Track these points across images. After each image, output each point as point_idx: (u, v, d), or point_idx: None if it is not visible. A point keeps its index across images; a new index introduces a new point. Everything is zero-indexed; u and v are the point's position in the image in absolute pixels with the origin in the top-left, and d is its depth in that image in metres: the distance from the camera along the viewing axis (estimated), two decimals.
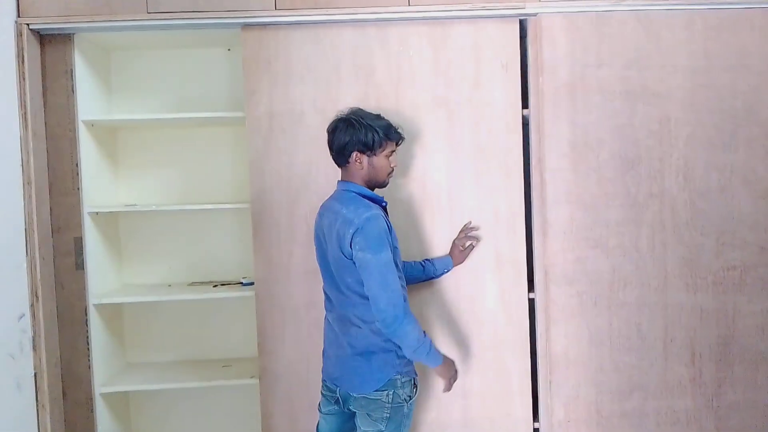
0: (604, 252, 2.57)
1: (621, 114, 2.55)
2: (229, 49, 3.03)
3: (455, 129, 2.57)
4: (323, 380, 2.30)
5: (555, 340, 2.59)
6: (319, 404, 2.33)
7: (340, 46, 2.59)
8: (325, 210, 2.24)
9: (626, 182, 2.56)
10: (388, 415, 2.17)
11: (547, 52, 2.54)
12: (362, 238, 2.07)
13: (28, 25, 2.51)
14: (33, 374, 2.53)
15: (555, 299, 2.58)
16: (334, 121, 2.24)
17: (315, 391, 2.52)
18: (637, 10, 2.53)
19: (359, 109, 2.26)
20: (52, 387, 2.58)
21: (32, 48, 2.55)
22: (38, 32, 2.58)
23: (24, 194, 2.51)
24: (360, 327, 2.16)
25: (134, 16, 2.53)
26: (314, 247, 2.31)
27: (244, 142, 2.88)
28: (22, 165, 2.51)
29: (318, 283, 2.49)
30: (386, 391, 2.16)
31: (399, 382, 2.17)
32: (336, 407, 2.25)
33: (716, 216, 2.56)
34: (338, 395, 2.22)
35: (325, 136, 2.29)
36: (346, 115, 2.22)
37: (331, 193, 2.31)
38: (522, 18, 2.59)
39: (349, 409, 2.23)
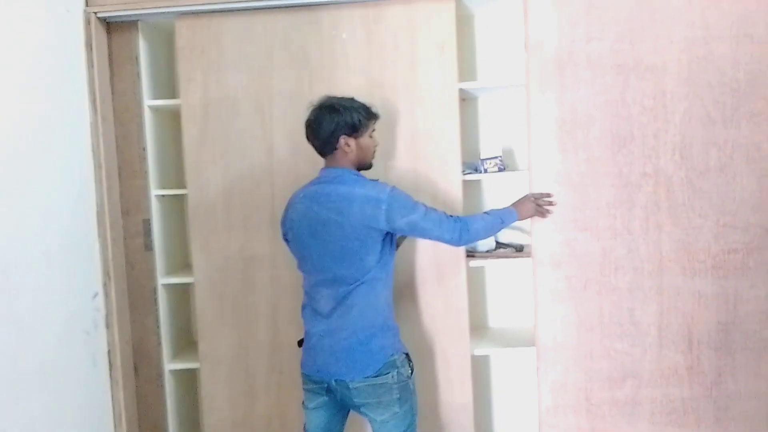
0: (594, 234, 2.46)
1: (612, 89, 2.43)
2: None
3: (391, 112, 2.49)
4: (306, 375, 2.26)
5: (542, 325, 2.51)
6: (303, 402, 2.30)
7: (272, 31, 2.58)
8: (319, 197, 2.18)
9: (618, 161, 2.44)
10: (398, 396, 2.17)
11: (532, 27, 2.44)
12: (398, 206, 2.11)
13: (95, 13, 2.59)
14: (107, 351, 2.64)
15: (542, 282, 2.50)
16: (313, 111, 2.22)
17: (254, 377, 2.64)
18: None
19: (329, 95, 2.24)
20: (124, 363, 2.71)
21: (100, 36, 2.64)
22: (105, 20, 2.65)
23: (95, 178, 2.62)
24: (361, 309, 2.14)
25: (194, 1, 2.57)
26: (289, 238, 2.28)
27: None
28: (93, 149, 2.61)
29: (257, 270, 2.58)
30: (390, 373, 2.15)
31: (398, 361, 2.18)
32: (325, 398, 2.23)
33: (716, 196, 2.42)
34: (330, 386, 2.19)
35: (259, 122, 2.38)
36: (325, 103, 2.21)
37: (299, 180, 2.30)
38: None
39: (343, 401, 2.21)
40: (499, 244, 2.86)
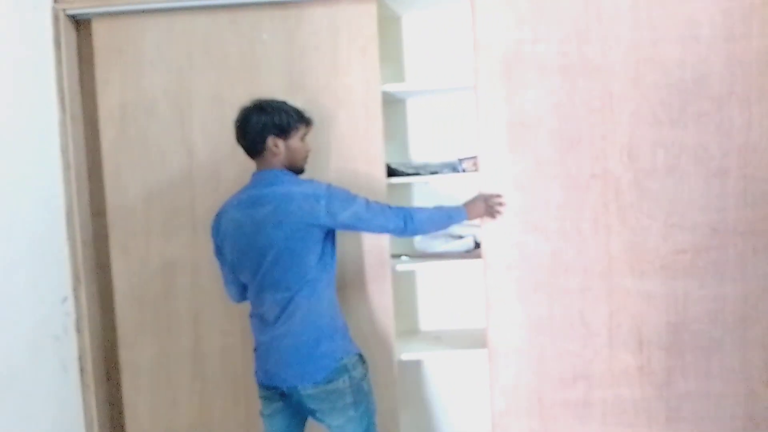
0: (543, 236, 2.46)
1: (560, 91, 2.42)
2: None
3: (314, 115, 2.45)
4: (259, 383, 2.23)
5: (494, 328, 2.50)
6: (260, 410, 2.26)
7: (192, 32, 2.55)
8: (254, 201, 2.14)
9: (567, 163, 2.43)
10: (351, 400, 2.14)
11: (480, 27, 2.43)
12: (338, 200, 2.11)
13: (64, 10, 2.53)
14: (77, 356, 2.58)
15: (493, 285, 2.49)
16: (242, 111, 2.20)
17: (177, 385, 2.62)
18: None
19: (261, 99, 2.22)
20: (96, 368, 2.65)
21: (68, 33, 2.57)
22: (74, 17, 2.58)
23: (64, 178, 2.56)
24: (305, 312, 2.11)
25: None
26: (224, 250, 2.24)
27: None
28: (62, 150, 2.55)
29: (177, 276, 2.56)
30: (341, 378, 2.13)
31: (349, 364, 2.15)
32: (281, 404, 2.20)
33: (664, 197, 2.42)
34: (283, 391, 2.17)
35: (178, 125, 2.41)
36: (254, 103, 2.20)
37: (231, 186, 2.30)
38: None
39: (299, 406, 2.18)
40: (479, 245, 2.83)
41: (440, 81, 2.79)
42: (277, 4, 2.52)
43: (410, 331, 3.02)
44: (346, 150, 2.55)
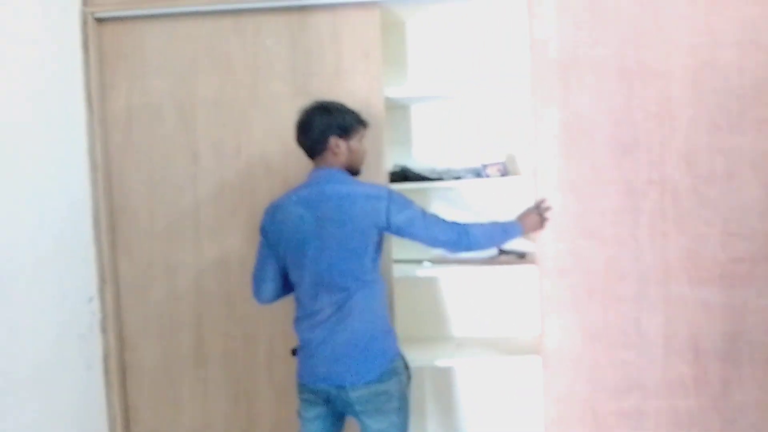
0: (599, 242, 2.42)
1: (617, 95, 2.39)
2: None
3: None
4: (302, 384, 2.19)
5: (548, 335, 2.46)
6: (299, 411, 2.22)
7: (196, 38, 2.56)
8: (315, 198, 2.12)
9: (623, 168, 2.40)
10: (397, 405, 2.12)
11: (537, 30, 2.41)
12: (397, 203, 2.11)
13: (92, 13, 2.54)
14: (102, 355, 2.58)
15: (548, 292, 2.45)
16: (305, 112, 2.20)
17: (180, 387, 2.63)
18: None
19: (320, 100, 2.22)
20: (120, 367, 2.65)
21: (96, 36, 2.58)
22: (101, 20, 2.59)
23: (91, 179, 2.55)
24: (361, 312, 2.09)
25: (192, 0, 2.54)
26: (279, 247, 2.20)
27: None
28: (89, 151, 2.55)
29: (179, 277, 2.58)
30: (392, 380, 2.10)
31: (399, 367, 2.14)
32: (323, 408, 2.17)
33: (722, 204, 2.38)
34: (329, 395, 2.13)
35: (183, 129, 2.45)
36: (316, 104, 2.20)
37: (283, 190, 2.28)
38: None
39: (343, 409, 2.15)
40: (502, 252, 2.80)
41: (444, 86, 2.76)
42: (280, 9, 2.53)
43: (437, 337, 2.99)
44: None
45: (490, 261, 2.74)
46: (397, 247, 2.71)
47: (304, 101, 2.46)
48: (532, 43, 2.42)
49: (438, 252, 2.80)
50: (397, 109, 2.83)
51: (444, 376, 3.01)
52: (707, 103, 2.36)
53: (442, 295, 3.00)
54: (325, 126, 2.16)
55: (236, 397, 2.65)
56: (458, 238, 2.18)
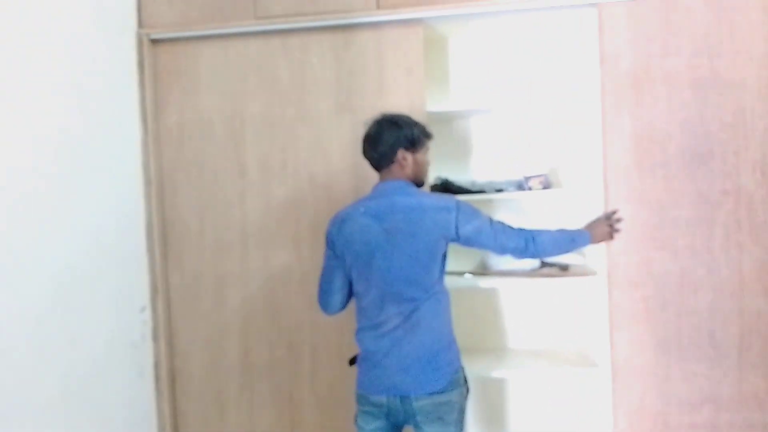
0: (672, 254, 2.40)
1: (690, 106, 2.38)
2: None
3: (360, 135, 2.46)
4: (365, 396, 2.16)
5: (618, 347, 2.44)
6: (357, 421, 2.21)
7: (246, 57, 2.63)
8: (384, 210, 2.13)
9: (696, 179, 2.38)
10: (457, 417, 2.12)
11: (608, 42, 2.40)
12: (465, 213, 2.12)
13: (148, 35, 2.65)
14: (153, 363, 2.67)
15: (618, 304, 2.43)
16: (375, 126, 2.21)
17: (226, 396, 2.71)
18: None
19: (388, 113, 2.24)
20: (170, 375, 2.74)
21: (151, 55, 2.68)
22: (156, 41, 2.68)
23: (145, 194, 2.65)
24: (429, 323, 2.09)
25: (242, 22, 2.61)
26: (347, 257, 2.19)
27: None
28: (143, 166, 2.65)
29: (227, 288, 2.66)
30: (455, 390, 2.10)
31: (461, 378, 2.14)
32: (384, 422, 2.16)
33: None
34: (391, 407, 2.11)
35: (232, 145, 2.56)
36: (385, 117, 2.21)
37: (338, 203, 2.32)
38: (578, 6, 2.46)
39: (404, 421, 2.14)
40: (544, 264, 2.80)
41: (485, 100, 2.77)
42: (325, 28, 2.59)
43: (482, 348, 2.98)
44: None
45: (531, 273, 2.73)
46: None
47: (349, 118, 2.57)
48: (602, 56, 2.41)
49: (492, 261, 2.80)
50: (439, 123, 2.84)
51: (495, 387, 3.00)
52: None
53: (487, 306, 3.00)
54: (394, 139, 2.17)
55: (280, 405, 2.70)
56: (525, 245, 2.18)
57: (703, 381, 2.42)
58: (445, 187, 2.77)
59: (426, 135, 2.24)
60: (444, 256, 2.15)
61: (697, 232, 2.39)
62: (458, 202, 2.14)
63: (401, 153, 2.17)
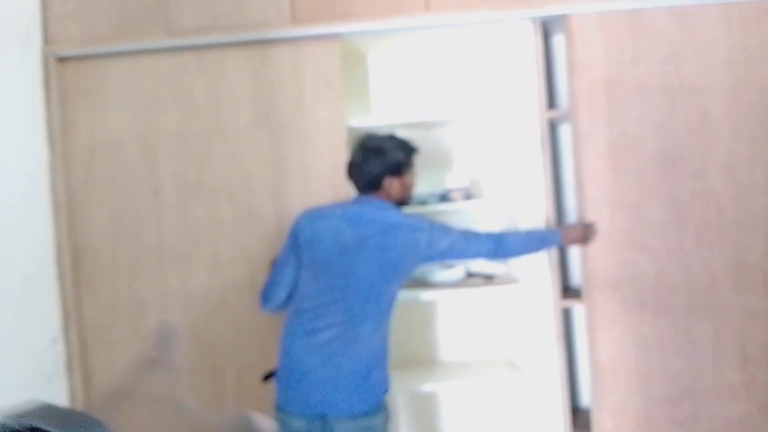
0: (648, 254, 2.48)
1: (660, 111, 2.47)
2: None
3: (280, 150, 2.49)
4: (287, 412, 2.06)
5: (601, 349, 2.50)
6: None
7: (158, 73, 2.58)
8: (360, 219, 2.11)
9: (669, 181, 2.47)
10: None
11: (580, 52, 2.48)
12: (438, 232, 2.12)
13: (54, 52, 2.54)
14: (68, 396, 2.52)
15: (599, 305, 2.50)
16: (357, 153, 2.20)
17: None
18: (671, 6, 2.45)
19: (368, 134, 2.23)
20: (87, 408, 2.56)
21: (58, 74, 2.57)
22: (63, 59, 2.58)
23: (54, 217, 2.51)
24: (367, 339, 2.04)
25: (153, 37, 2.54)
26: (307, 249, 2.15)
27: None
28: (51, 188, 2.52)
29: (144, 313, 2.54)
30: (380, 414, 2.05)
31: (387, 401, 2.10)
32: None
33: (764, 213, 2.46)
34: (312, 429, 2.03)
35: (145, 164, 2.50)
36: (369, 143, 2.20)
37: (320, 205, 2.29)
38: (545, 19, 2.53)
39: None
40: (470, 275, 2.85)
41: (405, 115, 2.79)
42: (242, 44, 2.55)
43: (409, 360, 2.97)
44: (313, 185, 2.54)
45: (456, 284, 2.77)
46: None
47: (267, 132, 2.52)
48: (573, 65, 2.48)
49: (420, 273, 2.83)
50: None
51: (423, 401, 3.00)
52: (746, 117, 2.45)
53: (417, 318, 3.00)
54: (380, 168, 2.16)
55: None
56: (495, 248, 2.20)
57: (682, 376, 2.50)
58: None
59: (410, 152, 2.23)
60: (403, 279, 2.14)
61: (670, 233, 2.48)
62: (431, 223, 2.14)
63: (388, 181, 2.17)
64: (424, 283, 2.81)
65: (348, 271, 2.07)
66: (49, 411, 0.32)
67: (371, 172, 2.16)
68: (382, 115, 2.90)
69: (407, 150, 2.22)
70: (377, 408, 2.04)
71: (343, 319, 2.04)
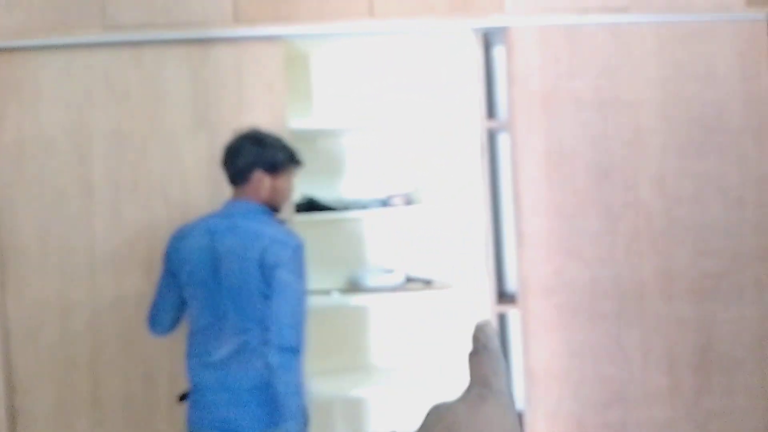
0: (582, 262, 2.55)
1: (594, 124, 2.55)
2: None
3: (218, 151, 2.43)
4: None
5: (535, 354, 2.56)
6: None
7: (93, 69, 2.52)
8: (223, 231, 2.02)
9: (602, 192, 2.55)
10: None
11: (519, 63, 2.54)
12: (295, 262, 1.97)
13: None
14: None
15: (534, 312, 2.55)
16: (237, 138, 2.11)
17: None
18: (607, 23, 2.54)
19: (258, 129, 2.15)
20: (10, 414, 2.49)
21: None
22: None
23: None
24: (259, 354, 1.97)
25: (88, 31, 2.49)
26: (177, 275, 2.09)
27: None
28: None
29: (73, 317, 2.48)
30: (293, 422, 1.94)
31: (304, 408, 1.99)
32: None
33: (691, 224, 2.57)
34: None
35: (77, 162, 2.43)
36: (250, 133, 2.12)
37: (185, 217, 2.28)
38: (485, 31, 2.59)
39: None
40: (409, 279, 2.89)
41: (348, 119, 2.79)
42: (181, 41, 2.52)
43: (350, 367, 2.99)
44: None
45: (396, 288, 2.80)
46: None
47: (206, 134, 2.49)
48: (512, 77, 2.55)
49: (359, 277, 2.84)
50: (303, 141, 2.80)
51: (356, 407, 3.01)
52: (676, 131, 2.56)
53: (355, 324, 3.00)
54: (253, 158, 2.07)
55: None
56: (288, 351, 1.93)
57: (613, 382, 2.57)
58: (310, 206, 2.77)
59: (293, 161, 2.14)
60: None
61: (602, 242, 2.55)
62: (300, 250, 2.00)
63: (258, 174, 2.07)
64: (359, 287, 2.82)
65: (222, 287, 2.00)
66: None
67: (243, 160, 2.07)
68: (323, 117, 2.91)
69: (289, 154, 2.13)
70: (291, 416, 1.94)
71: (231, 335, 1.99)
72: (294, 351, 1.94)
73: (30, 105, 2.50)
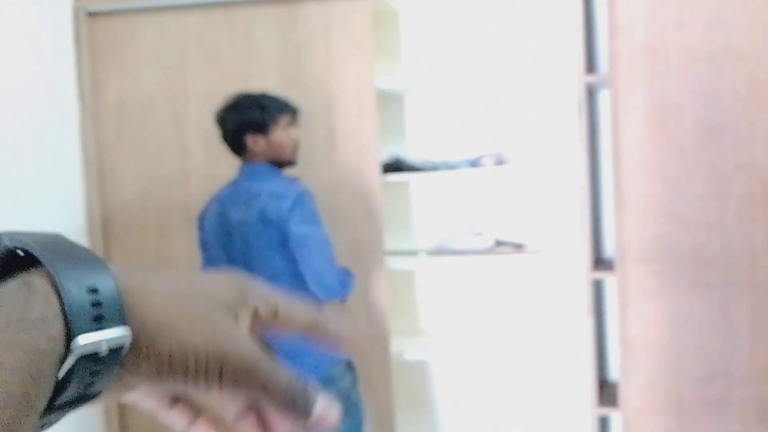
0: (686, 228, 2.38)
1: (704, 78, 2.35)
2: None
3: (307, 111, 2.39)
4: None
5: (631, 323, 2.43)
6: None
7: (187, 30, 2.52)
8: (232, 197, 2.04)
9: (711, 152, 2.36)
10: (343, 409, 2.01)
11: (621, 13, 2.36)
12: (301, 210, 1.95)
13: (85, 8, 2.53)
14: None
15: (632, 279, 2.41)
16: (218, 112, 2.10)
17: None
18: None
19: (235, 95, 2.11)
20: None
21: (88, 30, 2.55)
22: (93, 14, 2.56)
23: (85, 174, 2.53)
24: None
25: None
26: (204, 245, 2.13)
27: None
28: (82, 146, 2.54)
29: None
30: (329, 389, 1.97)
31: (336, 374, 2.02)
32: None
33: None
34: None
35: (174, 122, 2.43)
36: (227, 103, 2.10)
37: (214, 182, 2.25)
38: None
39: None
40: (499, 243, 2.77)
41: (437, 76, 2.70)
42: (270, 1, 2.49)
43: (413, 330, 2.95)
44: (341, 146, 2.49)
45: (486, 251, 2.71)
46: (389, 238, 2.69)
47: (296, 94, 2.46)
48: (613, 29, 2.37)
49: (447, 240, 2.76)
50: (390, 99, 2.76)
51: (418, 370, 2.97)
52: None
53: (442, 286, 2.94)
54: (236, 126, 2.06)
55: None
56: (335, 294, 1.99)
57: (715, 356, 2.41)
58: (398, 166, 2.71)
59: (281, 111, 2.08)
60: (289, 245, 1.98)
61: (710, 206, 2.37)
62: (302, 197, 1.97)
63: (250, 138, 2.05)
64: (446, 250, 2.75)
65: (231, 255, 2.01)
66: (50, 240, 0.33)
67: (229, 130, 2.08)
68: (410, 76, 2.82)
69: (275, 107, 2.07)
70: (324, 383, 1.91)
71: None
72: (339, 292, 1.99)
73: (129, 67, 2.57)
